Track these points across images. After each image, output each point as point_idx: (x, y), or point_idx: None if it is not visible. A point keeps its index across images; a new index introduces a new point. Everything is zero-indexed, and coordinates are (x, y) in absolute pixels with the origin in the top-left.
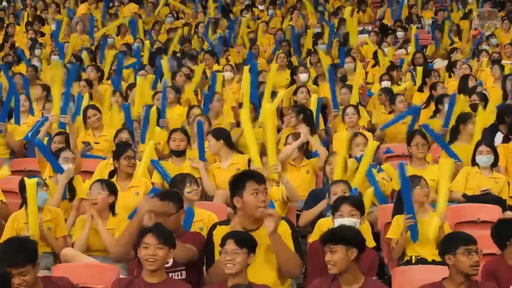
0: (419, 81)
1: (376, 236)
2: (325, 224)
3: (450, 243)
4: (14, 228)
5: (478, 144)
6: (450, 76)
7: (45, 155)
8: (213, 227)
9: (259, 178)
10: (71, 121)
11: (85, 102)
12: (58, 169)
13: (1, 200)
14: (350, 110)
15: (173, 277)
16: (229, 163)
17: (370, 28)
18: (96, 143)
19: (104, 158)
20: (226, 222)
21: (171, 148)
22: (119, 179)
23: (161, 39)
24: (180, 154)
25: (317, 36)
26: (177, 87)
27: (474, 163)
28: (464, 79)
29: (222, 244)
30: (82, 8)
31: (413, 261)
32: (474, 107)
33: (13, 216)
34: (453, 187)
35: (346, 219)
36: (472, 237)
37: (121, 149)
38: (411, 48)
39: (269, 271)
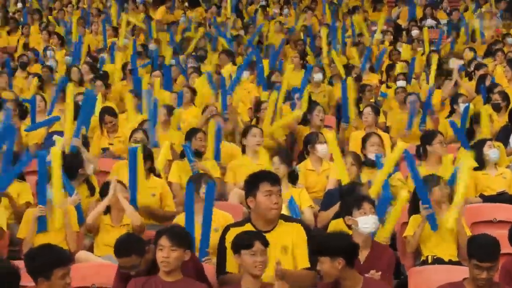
0: (432, 81)
1: (392, 236)
2: (337, 226)
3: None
4: (29, 221)
5: (484, 141)
6: (466, 76)
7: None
8: (226, 229)
9: (273, 180)
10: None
11: (99, 102)
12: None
13: (29, 201)
14: (367, 110)
15: None
16: (255, 162)
17: (385, 27)
18: (110, 144)
19: (120, 159)
20: (240, 224)
21: (195, 148)
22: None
23: (176, 39)
24: (202, 154)
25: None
26: (192, 88)
27: (479, 165)
28: (482, 79)
29: (250, 246)
30: (159, 12)
31: (430, 261)
32: (496, 107)
33: (28, 212)
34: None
35: (370, 216)
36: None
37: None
38: (425, 48)
39: None
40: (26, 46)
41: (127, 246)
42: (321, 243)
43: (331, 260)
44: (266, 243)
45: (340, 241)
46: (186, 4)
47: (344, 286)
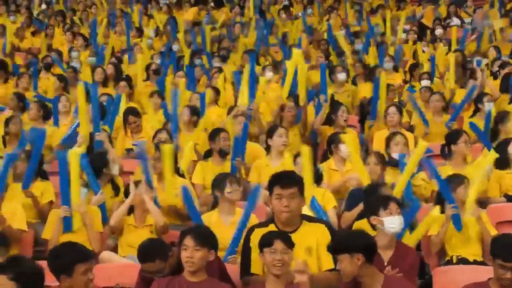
0: (452, 79)
1: None
2: (361, 227)
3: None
4: (54, 221)
5: (508, 141)
6: (491, 75)
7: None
8: (251, 230)
9: (284, 183)
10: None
11: (123, 102)
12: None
13: (52, 200)
14: (392, 109)
15: None
16: (280, 163)
17: (408, 27)
18: (134, 144)
19: None
20: (264, 224)
21: (220, 147)
22: (159, 180)
23: (199, 40)
24: (226, 154)
25: (355, 36)
26: (215, 88)
27: (503, 164)
28: (506, 78)
29: (269, 244)
30: (191, 13)
31: (454, 261)
32: None
33: (53, 212)
34: (488, 194)
35: (397, 217)
36: None
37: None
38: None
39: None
40: (49, 47)
41: (151, 251)
42: (339, 241)
43: (350, 257)
44: (289, 243)
45: (358, 238)
46: (212, 4)
47: (364, 284)
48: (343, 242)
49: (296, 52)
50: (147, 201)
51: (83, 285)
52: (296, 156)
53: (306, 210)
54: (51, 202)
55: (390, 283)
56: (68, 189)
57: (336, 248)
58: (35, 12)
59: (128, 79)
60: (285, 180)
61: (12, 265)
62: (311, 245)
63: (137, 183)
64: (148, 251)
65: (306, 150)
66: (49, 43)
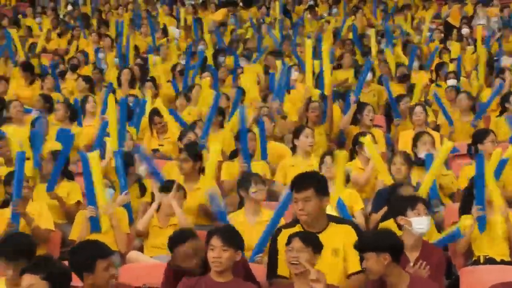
0: (481, 78)
1: None
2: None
3: None
4: (81, 222)
5: None
6: None
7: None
8: (278, 231)
9: (297, 187)
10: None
11: (149, 102)
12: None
13: (79, 201)
14: (418, 109)
15: None
16: (306, 163)
17: (434, 26)
18: (160, 145)
19: (171, 159)
20: (291, 225)
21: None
22: (185, 180)
23: (226, 40)
24: (253, 154)
25: (381, 35)
26: (240, 88)
27: None
28: None
29: (288, 243)
30: (219, 14)
31: (482, 261)
32: None
33: (80, 213)
34: None
35: (424, 217)
36: None
37: (179, 152)
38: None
39: (334, 274)
40: (78, 48)
41: (181, 234)
42: (366, 239)
43: (377, 256)
44: (308, 242)
45: (386, 237)
46: (241, 4)
47: (389, 284)
48: (370, 240)
49: (308, 43)
50: (175, 206)
51: (105, 281)
52: (324, 155)
53: (331, 211)
54: (78, 203)
55: (416, 284)
56: (93, 190)
57: (363, 246)
58: (61, 14)
59: (154, 80)
60: (298, 184)
61: (43, 265)
62: (338, 246)
63: (165, 184)
64: (179, 234)
65: (341, 154)
66: (77, 45)
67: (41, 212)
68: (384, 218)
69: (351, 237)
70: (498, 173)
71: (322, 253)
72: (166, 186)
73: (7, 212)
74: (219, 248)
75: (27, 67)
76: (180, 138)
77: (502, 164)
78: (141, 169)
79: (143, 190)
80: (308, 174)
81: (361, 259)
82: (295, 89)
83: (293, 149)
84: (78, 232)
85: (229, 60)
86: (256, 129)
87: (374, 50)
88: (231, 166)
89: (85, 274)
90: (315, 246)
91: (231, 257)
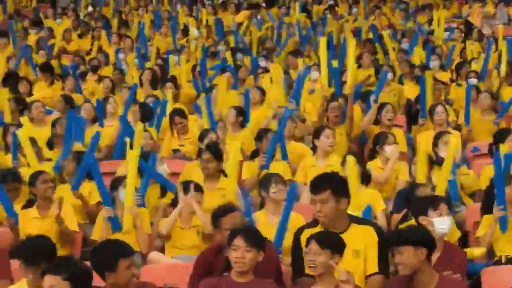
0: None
1: (465, 235)
2: None
3: None
4: (102, 222)
5: None
6: None
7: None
8: (300, 231)
9: (314, 189)
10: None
11: (170, 103)
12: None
13: (100, 201)
14: (439, 108)
15: None
16: (326, 163)
17: (455, 25)
18: (181, 145)
19: (191, 160)
20: (313, 224)
21: (266, 148)
22: (206, 180)
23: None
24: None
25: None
26: (261, 88)
27: None
28: None
29: (306, 245)
30: (241, 16)
31: (503, 261)
32: None
33: (101, 213)
34: None
35: (447, 217)
36: None
37: (199, 152)
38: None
39: (355, 276)
40: (100, 49)
41: (229, 204)
42: (405, 233)
43: (414, 250)
44: (325, 244)
45: (424, 232)
46: (264, 4)
47: (418, 281)
48: (409, 234)
49: (322, 40)
50: (196, 207)
51: (127, 280)
52: (346, 155)
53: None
54: (99, 203)
55: (445, 284)
56: (107, 191)
57: (400, 239)
58: (81, 15)
59: (174, 80)
60: (315, 185)
61: (64, 266)
62: (359, 247)
63: (185, 185)
64: (226, 205)
65: (351, 159)
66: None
67: (66, 214)
68: (404, 218)
69: (372, 238)
70: None
71: (344, 255)
72: (185, 187)
73: (31, 212)
74: (242, 249)
75: (46, 68)
76: (201, 138)
77: None
78: (161, 168)
79: (164, 190)
80: (326, 176)
81: (380, 258)
82: (315, 90)
83: (314, 149)
84: (99, 232)
85: (248, 60)
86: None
87: (390, 49)
88: (251, 166)
89: (107, 273)
90: (334, 247)
91: (254, 257)
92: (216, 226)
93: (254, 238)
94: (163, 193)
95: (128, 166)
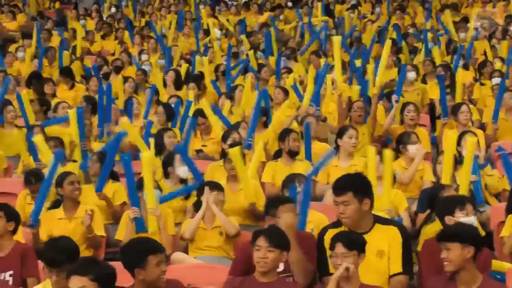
0: None
1: (489, 235)
2: (431, 230)
3: None
4: (128, 222)
5: None
6: None
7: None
8: (324, 231)
9: (336, 191)
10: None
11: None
12: None
13: (125, 201)
14: (465, 108)
15: None
16: (349, 164)
17: (479, 24)
18: (204, 146)
19: (214, 160)
20: (337, 225)
21: (290, 148)
22: (228, 181)
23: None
24: (296, 154)
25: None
26: (284, 89)
27: None
28: None
29: (332, 248)
30: (265, 17)
31: None
32: None
33: (126, 213)
34: None
35: (472, 217)
36: None
37: (225, 152)
38: None
39: (378, 276)
40: (125, 50)
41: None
42: (454, 229)
43: (462, 247)
44: (350, 245)
45: (473, 230)
46: (289, 3)
47: (462, 280)
48: (458, 231)
49: (336, 40)
50: (216, 211)
51: (157, 277)
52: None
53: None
54: (123, 204)
55: (488, 284)
56: (135, 191)
57: (449, 235)
58: (104, 16)
59: (199, 80)
60: (337, 187)
61: (91, 267)
62: (383, 248)
63: (208, 185)
64: (279, 196)
65: (388, 153)
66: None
67: (93, 219)
68: (428, 218)
69: (396, 238)
70: None
71: (367, 255)
72: (205, 187)
73: (58, 213)
74: (264, 249)
75: (66, 72)
76: (224, 139)
77: None
78: (181, 169)
79: (186, 196)
80: (347, 177)
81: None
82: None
83: (336, 149)
84: (124, 232)
85: (271, 61)
86: (300, 129)
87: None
88: (274, 166)
89: (136, 270)
90: (360, 247)
91: (277, 258)
92: (269, 213)
93: (276, 238)
94: (186, 196)
95: (142, 168)
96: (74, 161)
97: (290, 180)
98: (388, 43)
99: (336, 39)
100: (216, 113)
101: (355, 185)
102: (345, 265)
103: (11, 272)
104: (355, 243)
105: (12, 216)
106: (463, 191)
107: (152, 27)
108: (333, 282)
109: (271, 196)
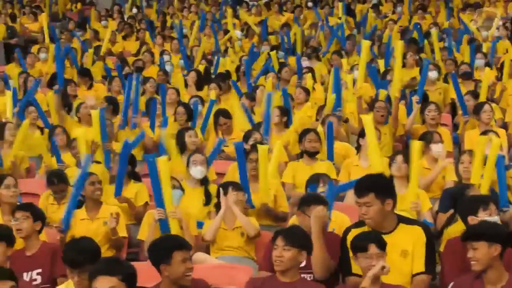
0: None
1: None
2: (454, 230)
3: None
4: (150, 223)
5: None
6: None
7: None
8: (347, 231)
9: (357, 192)
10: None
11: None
12: None
13: (146, 202)
14: (487, 107)
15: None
16: (369, 164)
17: (501, 22)
18: (225, 146)
19: (235, 160)
20: (360, 224)
21: (306, 148)
22: (251, 181)
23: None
24: (314, 154)
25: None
26: (305, 88)
27: None
28: None
29: (365, 249)
30: (286, 17)
31: None
32: None
33: (148, 213)
34: None
35: (496, 217)
36: None
37: (247, 152)
38: None
39: (402, 276)
40: (149, 51)
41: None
42: (480, 228)
43: (488, 246)
44: (382, 246)
45: (500, 228)
46: (310, 3)
47: (488, 278)
48: (485, 229)
49: (365, 43)
50: (236, 212)
51: (182, 274)
52: (394, 154)
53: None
54: (145, 204)
55: None
56: (160, 192)
57: (475, 234)
58: (125, 17)
59: (223, 79)
60: (358, 189)
61: (119, 267)
62: (407, 248)
63: (224, 187)
64: (313, 194)
65: (417, 144)
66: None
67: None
68: (451, 219)
69: (420, 238)
70: None
71: (391, 255)
72: (224, 189)
73: (80, 213)
74: (281, 248)
75: (84, 73)
76: (245, 139)
77: None
78: (198, 169)
79: (208, 196)
80: (369, 178)
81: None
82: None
83: (358, 148)
84: (146, 231)
85: (292, 60)
86: (321, 130)
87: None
88: (295, 166)
89: (162, 266)
90: (384, 247)
91: (293, 257)
92: (300, 208)
93: (294, 237)
94: (207, 200)
95: (160, 172)
96: (98, 162)
97: (314, 180)
98: (399, 43)
99: (366, 43)
100: (245, 112)
101: (377, 186)
102: (382, 264)
103: (39, 270)
104: (384, 244)
105: (39, 216)
106: (485, 190)
107: (176, 28)
108: (369, 279)
109: (304, 195)
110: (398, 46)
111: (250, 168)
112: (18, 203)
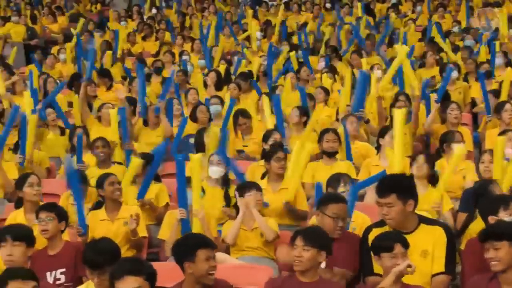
0: None
1: None
2: (475, 229)
3: None
4: (171, 223)
5: None
6: None
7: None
8: (368, 230)
9: (379, 192)
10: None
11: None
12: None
13: (167, 202)
14: (508, 106)
15: None
16: (389, 161)
17: None
18: (245, 146)
19: (254, 160)
20: (381, 224)
21: (324, 149)
22: (270, 181)
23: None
24: (333, 154)
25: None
26: (325, 88)
27: None
28: None
29: (390, 249)
30: (304, 16)
31: None
32: None
33: (169, 213)
34: None
35: None
36: None
37: (272, 151)
38: None
39: (422, 276)
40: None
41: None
42: (500, 227)
43: (509, 245)
44: (406, 245)
45: None
46: (328, 4)
47: (505, 278)
48: (504, 229)
49: (401, 49)
50: (256, 215)
51: (205, 273)
52: (416, 154)
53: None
54: (166, 205)
55: None
56: (185, 192)
57: (496, 234)
58: (145, 17)
59: (246, 78)
60: (380, 189)
61: (142, 267)
62: (427, 248)
63: (240, 189)
64: (337, 194)
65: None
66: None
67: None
68: (470, 218)
69: (440, 238)
70: None
71: (411, 255)
72: (245, 187)
73: (100, 214)
74: (300, 248)
75: (103, 73)
76: (265, 139)
77: None
78: (213, 169)
79: (227, 199)
80: (390, 179)
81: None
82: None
83: (378, 148)
84: (167, 231)
85: (312, 61)
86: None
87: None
88: (315, 166)
89: (185, 263)
90: (408, 246)
91: (313, 257)
92: (319, 208)
93: (313, 237)
94: (227, 202)
95: (191, 171)
96: (120, 163)
97: (335, 180)
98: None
99: (403, 49)
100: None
101: (399, 187)
102: (408, 262)
103: (63, 270)
104: (408, 244)
105: (63, 216)
106: (505, 188)
107: (199, 28)
108: (393, 275)
109: (325, 194)
110: (401, 49)
111: (278, 167)
112: (41, 203)
